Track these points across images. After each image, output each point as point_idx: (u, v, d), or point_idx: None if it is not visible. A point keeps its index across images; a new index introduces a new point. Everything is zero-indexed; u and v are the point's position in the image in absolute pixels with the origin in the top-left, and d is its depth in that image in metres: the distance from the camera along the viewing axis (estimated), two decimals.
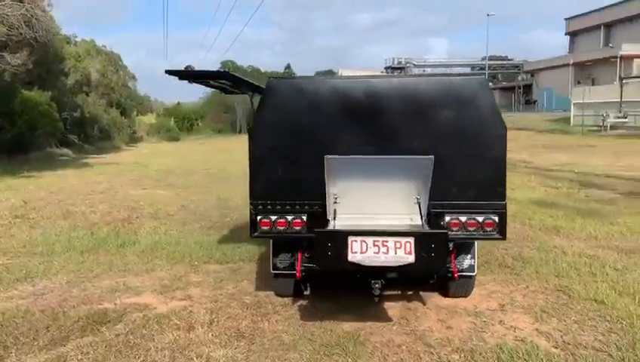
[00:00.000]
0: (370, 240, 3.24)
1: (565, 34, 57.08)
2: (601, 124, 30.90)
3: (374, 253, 3.23)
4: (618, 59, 45.59)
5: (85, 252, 7.17)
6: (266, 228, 4.13)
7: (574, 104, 34.68)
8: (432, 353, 3.92)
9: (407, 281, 4.50)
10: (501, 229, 3.96)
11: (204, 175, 17.36)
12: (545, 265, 6.06)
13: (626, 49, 45.37)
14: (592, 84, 48.45)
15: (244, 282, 5.72)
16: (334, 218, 3.72)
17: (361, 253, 3.25)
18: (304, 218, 4.06)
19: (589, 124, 31.48)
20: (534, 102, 56.48)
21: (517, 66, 64.21)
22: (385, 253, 3.22)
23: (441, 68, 66.86)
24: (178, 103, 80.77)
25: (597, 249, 6.76)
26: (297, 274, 4.35)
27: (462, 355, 3.87)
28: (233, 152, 32.91)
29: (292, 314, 4.75)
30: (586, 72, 50.32)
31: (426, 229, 3.46)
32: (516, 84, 61.27)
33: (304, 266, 4.36)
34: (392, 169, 3.67)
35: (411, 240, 3.22)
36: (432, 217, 3.86)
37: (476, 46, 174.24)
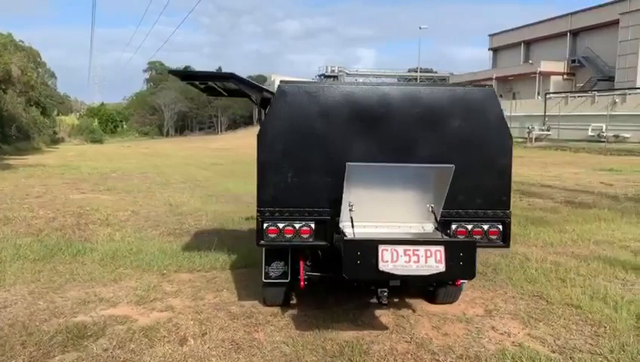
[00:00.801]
0: (400, 249, 3.22)
1: (489, 49, 59.97)
2: (527, 136, 32.65)
3: (405, 262, 3.21)
4: (537, 75, 48.49)
5: (38, 260, 6.68)
6: (273, 235, 4.02)
7: None
8: (438, 360, 3.96)
9: (407, 289, 4.52)
10: (504, 238, 4.06)
11: (142, 179, 16.78)
12: (514, 271, 6.29)
13: (545, 66, 48.36)
14: (514, 98, 51.24)
15: (224, 291, 5.53)
16: (352, 226, 3.68)
17: (392, 262, 3.22)
18: (312, 226, 3.99)
19: (515, 136, 33.15)
20: None
21: (443, 79, 66.64)
22: (416, 262, 3.21)
23: (372, 77, 68.29)
24: (102, 104, 77.64)
25: (555, 255, 7.10)
26: (301, 284, 4.26)
27: (467, 361, 3.93)
28: (168, 157, 32.15)
29: (285, 324, 4.64)
30: (508, 86, 53.10)
31: (455, 238, 3.49)
32: None
33: (307, 275, 4.28)
34: (408, 176, 3.68)
35: (441, 249, 3.24)
36: (440, 225, 3.90)
37: (402, 58, 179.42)
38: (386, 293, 4.05)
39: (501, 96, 54.32)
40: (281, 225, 3.98)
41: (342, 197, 3.86)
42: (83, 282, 5.86)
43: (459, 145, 3.97)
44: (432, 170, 3.70)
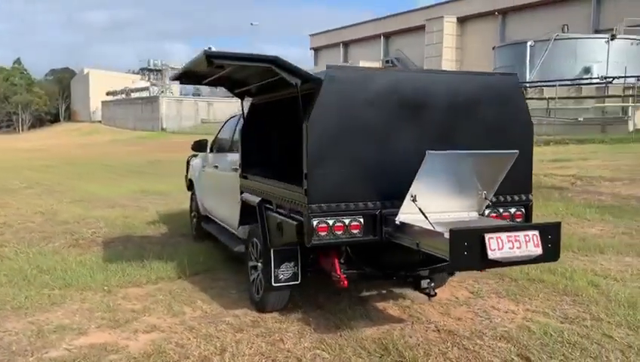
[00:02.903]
0: (504, 236, 3.19)
1: (310, 49, 62.36)
2: None
3: (509, 248, 3.19)
4: None
5: None
6: (323, 233, 3.70)
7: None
8: (480, 344, 4.03)
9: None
10: (527, 220, 4.28)
11: None
12: None
13: (363, 65, 51.75)
14: None
15: (200, 303, 4.98)
16: (425, 217, 3.56)
17: (499, 249, 3.18)
18: (361, 220, 3.77)
19: None
20: None
21: None
22: (518, 248, 3.21)
23: None
24: None
25: None
26: (345, 283, 4.00)
27: (504, 341, 4.07)
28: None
29: (300, 329, 4.34)
30: None
31: (546, 221, 3.55)
32: None
33: (346, 273, 4.04)
34: (469, 164, 3.68)
35: (537, 233, 3.28)
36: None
37: None
38: (433, 284, 4.04)
39: None
40: (330, 222, 3.70)
41: (395, 188, 3.74)
42: (15, 310, 4.81)
43: (491, 132, 4.08)
44: (494, 156, 3.75)
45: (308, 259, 4.43)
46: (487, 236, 3.10)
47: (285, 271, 4.36)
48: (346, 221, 3.70)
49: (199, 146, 7.08)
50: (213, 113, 51.43)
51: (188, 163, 8.20)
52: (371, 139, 3.81)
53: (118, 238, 7.69)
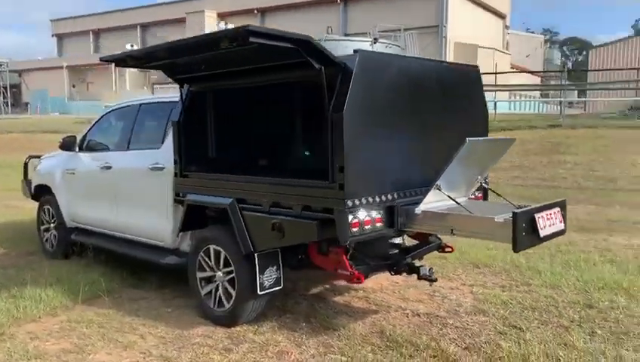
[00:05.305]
0: (545, 214, 3.35)
1: (53, 35, 55.78)
2: None
3: (549, 225, 3.35)
4: (113, 66, 48.20)
5: None
6: (355, 229, 3.42)
7: (106, 107, 34.39)
8: (461, 320, 4.25)
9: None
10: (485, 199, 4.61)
11: None
12: None
13: None
14: (87, 89, 49.76)
15: (140, 328, 4.22)
16: (457, 203, 3.55)
17: (546, 227, 3.32)
18: (382, 213, 3.61)
19: None
20: (26, 103, 53.08)
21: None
22: (553, 225, 3.39)
23: None
24: None
25: None
26: (362, 279, 3.76)
27: (480, 315, 4.36)
28: None
29: (289, 338, 4.00)
30: (81, 75, 51.12)
31: (558, 199, 3.75)
32: (1, 84, 55.74)
33: (358, 268, 3.82)
34: (486, 150, 3.79)
35: (559, 210, 3.54)
36: None
37: None
38: (433, 271, 4.12)
39: (74, 86, 52.06)
40: (361, 217, 3.45)
41: (407, 177, 3.70)
42: None
43: (467, 119, 4.29)
44: (498, 142, 3.93)
45: (295, 260, 4.11)
46: (536, 216, 3.31)
47: (269, 277, 3.97)
48: (373, 214, 3.54)
49: (70, 145, 5.83)
50: None
51: (26, 165, 6.73)
52: (394, 128, 3.72)
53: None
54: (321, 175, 3.53)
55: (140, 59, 4.09)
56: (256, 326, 4.16)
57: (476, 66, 4.50)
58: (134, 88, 42.11)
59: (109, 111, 5.83)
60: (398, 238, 4.52)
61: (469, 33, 32.39)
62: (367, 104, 3.44)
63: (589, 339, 3.86)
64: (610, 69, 26.04)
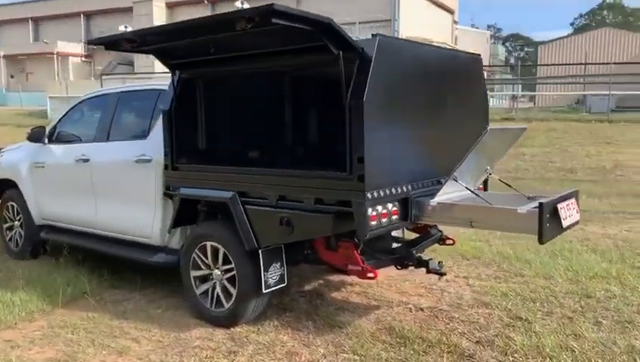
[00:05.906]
0: (565, 204, 3.27)
1: None
2: None
3: (569, 215, 3.28)
4: (55, 56, 46.30)
5: None
6: (374, 223, 3.25)
7: (51, 98, 32.75)
8: (465, 313, 4.19)
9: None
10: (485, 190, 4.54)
11: None
12: None
13: (62, 47, 46.58)
14: (27, 79, 47.41)
15: (132, 331, 3.95)
16: (476, 194, 3.42)
17: (567, 218, 3.25)
18: (397, 205, 3.46)
19: None
20: None
21: None
22: (571, 215, 3.33)
23: None
24: None
25: None
26: (376, 274, 3.59)
27: (483, 307, 4.31)
28: None
29: (294, 338, 3.82)
30: (20, 66, 48.75)
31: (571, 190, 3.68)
32: None
33: (369, 263, 3.65)
34: (499, 139, 3.70)
35: (575, 200, 3.48)
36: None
37: None
38: (442, 264, 4.01)
39: (12, 76, 49.52)
40: (380, 209, 3.28)
41: (420, 168, 3.57)
42: None
43: (470, 107, 4.19)
44: (509, 131, 3.85)
45: (301, 255, 3.92)
46: (559, 206, 3.25)
47: (274, 274, 3.77)
48: (389, 207, 3.39)
49: (38, 136, 5.38)
50: None
51: None
52: (409, 117, 3.57)
53: None
54: (331, 165, 3.36)
55: (136, 42, 3.76)
56: (258, 327, 3.96)
57: (479, 55, 4.42)
58: (78, 79, 40.52)
59: (82, 101, 5.40)
60: (397, 231, 4.42)
61: (420, 27, 32.79)
62: (385, 91, 3.28)
63: (597, 329, 3.86)
64: (560, 64, 26.98)
